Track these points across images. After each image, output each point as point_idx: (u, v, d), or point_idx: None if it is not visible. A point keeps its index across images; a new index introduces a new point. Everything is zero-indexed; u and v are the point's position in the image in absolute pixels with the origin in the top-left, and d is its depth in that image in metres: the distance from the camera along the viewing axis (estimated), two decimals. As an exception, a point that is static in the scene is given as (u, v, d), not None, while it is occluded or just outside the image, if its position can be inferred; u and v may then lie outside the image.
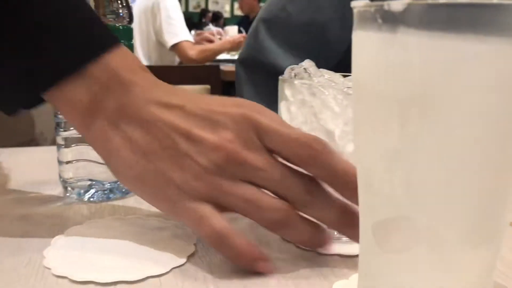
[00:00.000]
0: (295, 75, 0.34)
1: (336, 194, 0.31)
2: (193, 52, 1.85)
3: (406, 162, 0.20)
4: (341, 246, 0.34)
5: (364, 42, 0.21)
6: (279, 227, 0.31)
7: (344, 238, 0.35)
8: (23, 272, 0.30)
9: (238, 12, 6.22)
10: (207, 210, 0.30)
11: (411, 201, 0.20)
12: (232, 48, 2.18)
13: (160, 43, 1.86)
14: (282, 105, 0.34)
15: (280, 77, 0.34)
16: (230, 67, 1.98)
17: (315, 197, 0.31)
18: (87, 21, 0.34)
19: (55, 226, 0.37)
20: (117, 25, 0.41)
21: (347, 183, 0.29)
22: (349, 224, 0.30)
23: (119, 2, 0.41)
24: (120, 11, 0.41)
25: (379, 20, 0.19)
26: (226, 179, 0.30)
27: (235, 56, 2.37)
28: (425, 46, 0.18)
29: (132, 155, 0.31)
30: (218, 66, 1.12)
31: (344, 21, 0.78)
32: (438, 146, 0.19)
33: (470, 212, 0.20)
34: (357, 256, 0.33)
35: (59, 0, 0.33)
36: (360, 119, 0.22)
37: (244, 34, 2.30)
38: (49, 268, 0.30)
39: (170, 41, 1.83)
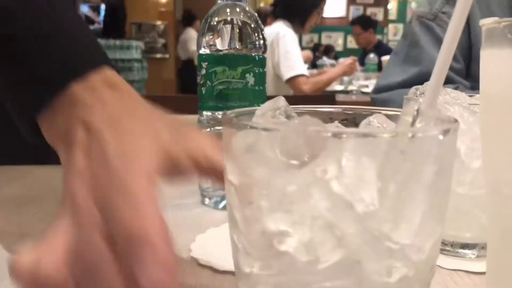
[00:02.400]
0: (420, 94, 0.35)
1: None
2: (306, 87, 1.92)
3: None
4: (466, 263, 0.34)
5: (493, 58, 0.23)
6: None
7: (469, 256, 0.35)
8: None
9: (351, 45, 6.25)
10: None
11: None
12: (345, 73, 2.17)
13: (277, 76, 1.96)
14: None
15: (405, 96, 0.36)
16: (342, 98, 2.01)
17: None
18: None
19: (197, 227, 0.42)
20: (253, 54, 0.47)
21: None
22: None
23: (256, 35, 0.47)
24: (257, 42, 0.47)
25: (509, 36, 0.21)
26: None
27: (348, 87, 2.38)
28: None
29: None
30: (334, 96, 1.15)
31: None
32: None
33: None
34: (481, 273, 0.33)
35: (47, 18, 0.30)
36: (489, 129, 0.24)
37: (354, 57, 2.27)
38: (196, 258, 0.36)
39: (286, 74, 1.91)
